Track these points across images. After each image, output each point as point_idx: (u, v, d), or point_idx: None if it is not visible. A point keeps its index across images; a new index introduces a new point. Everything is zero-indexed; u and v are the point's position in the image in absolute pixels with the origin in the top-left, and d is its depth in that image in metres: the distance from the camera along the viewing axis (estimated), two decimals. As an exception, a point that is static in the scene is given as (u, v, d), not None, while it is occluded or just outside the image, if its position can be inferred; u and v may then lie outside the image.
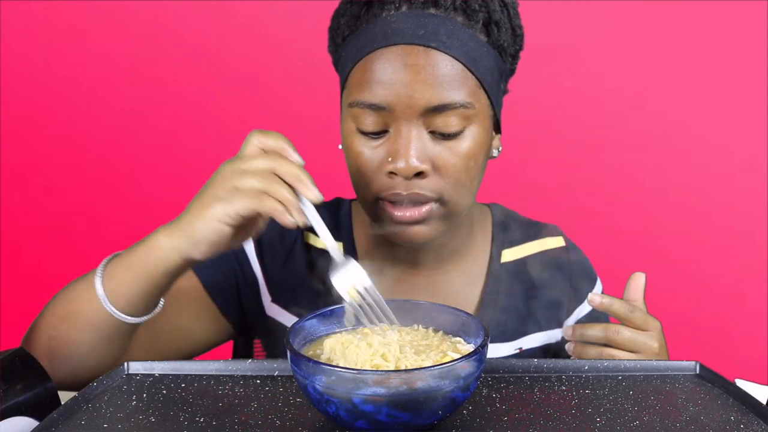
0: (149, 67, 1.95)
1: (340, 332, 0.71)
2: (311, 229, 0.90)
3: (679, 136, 1.66)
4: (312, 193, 0.68)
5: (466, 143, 0.78)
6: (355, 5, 0.81)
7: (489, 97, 0.81)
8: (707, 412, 0.66)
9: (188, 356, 0.89)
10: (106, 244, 2.06)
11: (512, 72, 0.88)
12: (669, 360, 0.76)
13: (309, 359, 0.60)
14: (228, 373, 0.74)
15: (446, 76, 0.76)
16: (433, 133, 0.78)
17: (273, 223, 0.77)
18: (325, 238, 0.69)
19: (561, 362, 0.75)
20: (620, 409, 0.67)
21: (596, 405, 0.68)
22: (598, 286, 0.98)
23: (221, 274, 0.89)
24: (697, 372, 0.74)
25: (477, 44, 0.78)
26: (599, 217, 1.69)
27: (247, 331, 0.93)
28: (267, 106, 1.88)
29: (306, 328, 0.68)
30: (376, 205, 0.81)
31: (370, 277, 0.70)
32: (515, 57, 0.86)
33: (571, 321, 0.95)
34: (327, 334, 0.70)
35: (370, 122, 0.78)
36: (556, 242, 0.96)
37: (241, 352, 0.99)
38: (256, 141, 0.71)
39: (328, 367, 0.59)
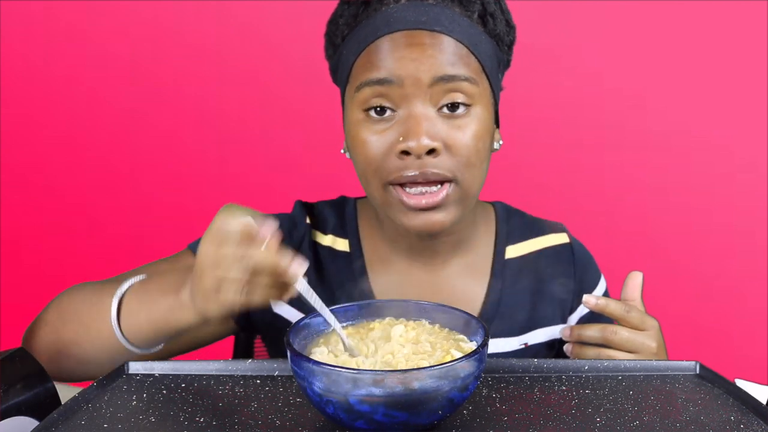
0: (149, 67, 1.95)
1: (346, 327, 0.71)
2: (317, 226, 0.91)
3: (679, 136, 1.66)
4: (293, 275, 0.64)
5: (473, 123, 0.79)
6: (352, 6, 0.82)
7: (490, 84, 0.82)
8: (707, 412, 0.66)
9: (187, 350, 0.88)
10: (106, 244, 2.07)
11: (508, 64, 0.89)
12: (668, 360, 0.76)
13: (309, 359, 0.60)
14: (228, 373, 0.74)
15: (451, 54, 0.77)
16: (441, 111, 0.78)
17: (282, 222, 0.79)
18: (329, 319, 0.67)
19: (561, 362, 0.75)
20: (620, 409, 0.67)
21: (596, 405, 0.68)
22: (602, 283, 0.98)
23: None
24: (697, 372, 0.74)
25: (476, 31, 0.80)
26: (599, 217, 1.69)
27: (251, 327, 0.93)
28: (267, 106, 1.88)
29: (306, 328, 0.68)
30: (387, 193, 0.80)
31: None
32: (510, 48, 0.87)
33: (574, 318, 0.94)
34: (328, 334, 0.71)
35: (379, 101, 0.78)
36: (560, 239, 0.96)
37: (242, 349, 0.98)
38: (225, 226, 0.68)
39: (328, 368, 0.59)
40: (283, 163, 1.87)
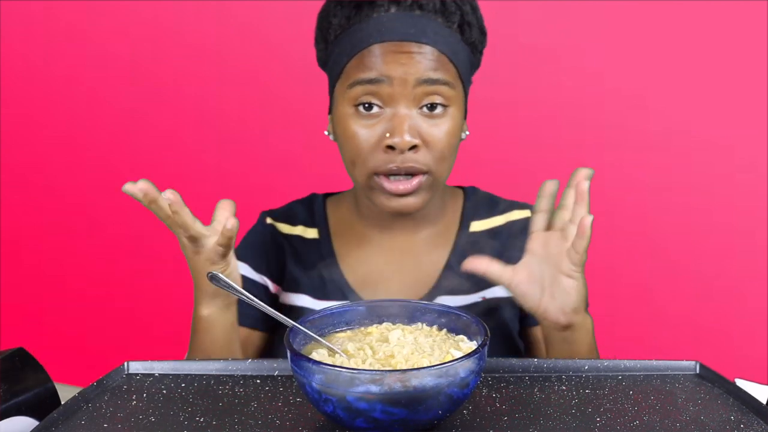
0: (149, 67, 1.95)
1: (343, 331, 0.71)
2: (286, 221, 1.05)
3: (679, 136, 1.66)
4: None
5: (448, 122, 0.90)
6: (345, 7, 0.91)
7: (463, 85, 0.93)
8: (707, 412, 0.66)
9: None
10: (106, 244, 2.07)
11: (478, 65, 0.99)
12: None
13: (308, 359, 0.60)
14: (228, 373, 0.74)
15: (435, 62, 0.89)
16: (421, 110, 0.89)
17: (255, 236, 1.02)
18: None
19: (561, 362, 0.75)
20: (620, 409, 0.67)
21: (596, 405, 0.68)
22: None
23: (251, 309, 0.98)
24: (697, 372, 0.74)
25: (455, 41, 0.91)
26: (599, 217, 1.68)
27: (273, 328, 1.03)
28: (267, 106, 1.88)
29: (307, 328, 0.68)
30: (370, 180, 0.91)
31: None
32: (481, 53, 0.98)
33: None
34: (328, 333, 0.71)
35: (368, 98, 0.89)
36: (524, 213, 1.03)
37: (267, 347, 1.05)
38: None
39: (327, 367, 0.59)
40: (283, 163, 1.88)
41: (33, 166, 2.09)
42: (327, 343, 0.67)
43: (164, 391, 0.70)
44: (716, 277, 1.68)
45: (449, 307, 0.72)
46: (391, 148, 0.88)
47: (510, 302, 0.99)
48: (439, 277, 0.98)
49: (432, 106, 0.89)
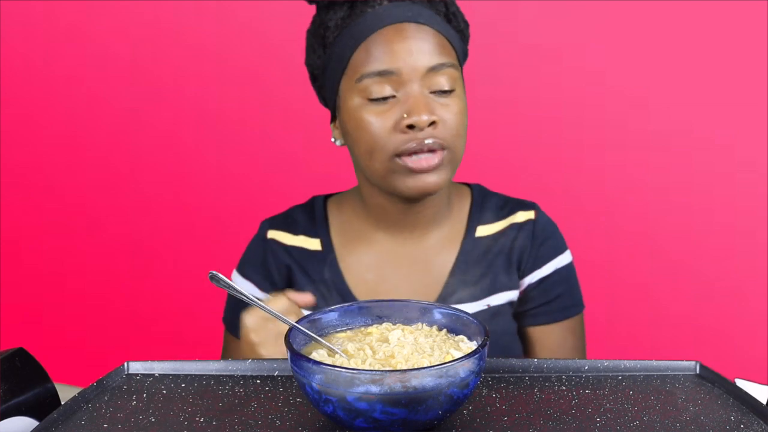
0: (149, 67, 1.95)
1: (344, 331, 0.71)
2: (288, 229, 1.03)
3: (680, 136, 1.66)
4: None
5: (457, 103, 0.92)
6: (338, 10, 0.93)
7: (460, 73, 0.95)
8: (707, 412, 0.66)
9: None
10: (106, 244, 2.07)
11: (467, 56, 1.00)
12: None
13: (308, 359, 0.60)
14: (228, 373, 0.74)
15: (437, 45, 0.91)
16: (432, 93, 0.90)
17: (256, 249, 1.01)
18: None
19: (561, 362, 0.75)
20: (620, 409, 0.67)
21: (596, 405, 0.68)
22: (564, 257, 1.03)
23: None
24: (697, 372, 0.74)
25: (447, 27, 0.94)
26: (600, 217, 1.69)
27: None
28: (267, 106, 1.87)
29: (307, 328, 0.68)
30: (392, 163, 0.91)
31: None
32: (467, 43, 1.00)
33: (525, 282, 1.01)
34: (328, 333, 0.71)
35: (379, 89, 0.90)
36: (527, 215, 1.02)
37: None
38: None
39: (327, 367, 0.59)
40: (283, 163, 1.87)
41: (33, 166, 2.09)
42: (327, 344, 0.67)
43: (164, 391, 0.70)
44: (716, 277, 1.68)
45: (449, 307, 0.72)
46: (410, 127, 0.89)
47: (510, 307, 1.00)
48: (444, 285, 0.98)
49: (440, 91, 0.91)
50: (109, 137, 2.02)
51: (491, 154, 1.60)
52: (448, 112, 0.91)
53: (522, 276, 1.01)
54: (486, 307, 0.99)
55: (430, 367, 0.59)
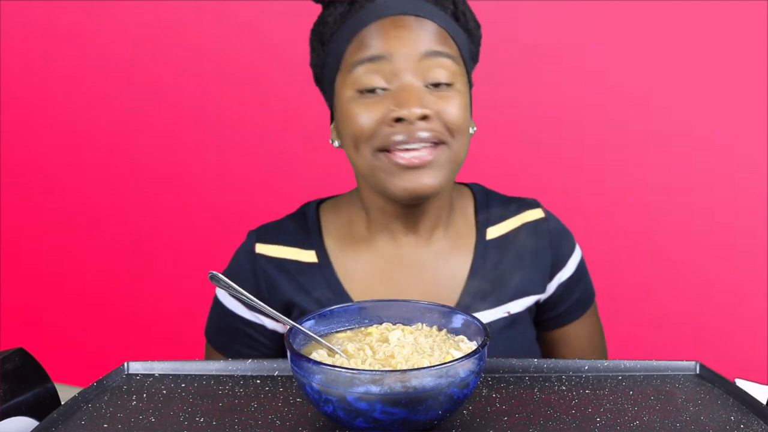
0: (149, 67, 1.95)
1: (344, 331, 0.71)
2: (281, 242, 0.96)
3: (680, 136, 1.66)
4: None
5: (457, 97, 0.85)
6: (338, 6, 0.89)
7: (466, 69, 0.89)
8: (707, 412, 0.66)
9: None
10: (106, 244, 2.07)
11: (477, 59, 0.95)
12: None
13: (308, 359, 0.60)
14: (228, 373, 0.74)
15: (435, 34, 0.86)
16: (427, 87, 0.84)
17: (241, 260, 0.94)
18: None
19: (561, 362, 0.75)
20: (620, 409, 0.67)
21: (596, 405, 0.68)
22: (578, 251, 1.01)
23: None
24: (697, 372, 0.74)
25: (451, 23, 0.88)
26: (600, 217, 1.69)
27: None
28: (267, 106, 1.87)
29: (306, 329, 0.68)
30: (376, 158, 0.84)
31: None
32: (479, 45, 0.95)
33: (553, 285, 0.98)
34: (328, 333, 0.71)
35: (369, 80, 0.84)
36: (535, 214, 0.99)
37: None
38: None
39: (327, 367, 0.59)
40: (283, 163, 1.87)
41: (33, 166, 2.09)
42: (327, 344, 0.67)
43: (164, 391, 0.70)
44: (716, 277, 1.68)
45: (449, 307, 0.72)
46: (398, 120, 0.82)
47: (529, 313, 0.96)
48: (461, 293, 0.92)
49: (437, 85, 0.84)
50: (109, 137, 2.02)
51: (491, 154, 1.60)
52: (446, 105, 0.84)
53: (549, 278, 0.97)
54: (506, 314, 0.93)
55: (430, 367, 0.59)
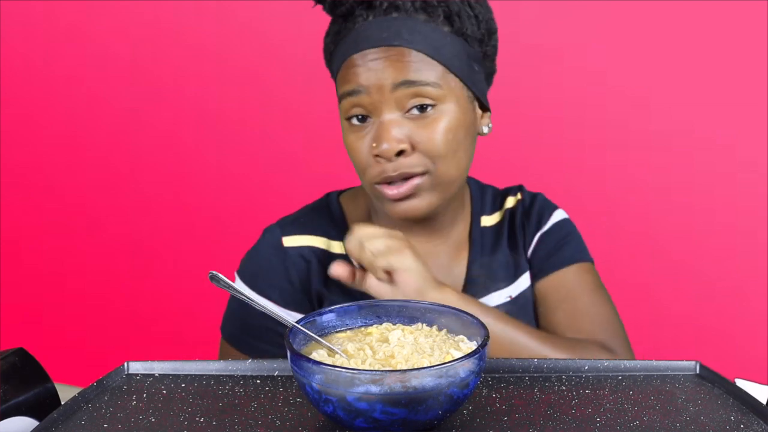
0: (149, 67, 1.95)
1: (344, 331, 0.71)
2: (307, 231, 0.97)
3: (681, 137, 1.66)
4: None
5: (442, 119, 0.86)
6: (334, 24, 0.91)
7: (461, 80, 0.89)
8: (707, 412, 0.66)
9: None
10: (106, 244, 2.07)
11: (486, 55, 0.94)
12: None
13: (308, 359, 0.60)
14: (228, 373, 0.74)
15: (411, 63, 0.85)
16: (410, 113, 0.86)
17: (271, 259, 0.95)
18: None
19: (561, 362, 0.75)
20: (620, 409, 0.67)
21: (596, 405, 0.68)
22: (559, 213, 1.03)
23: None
24: (697, 372, 0.74)
25: (440, 35, 0.87)
26: (601, 217, 1.69)
27: None
28: (267, 106, 1.88)
29: (307, 328, 0.68)
30: (374, 189, 0.89)
31: None
32: (484, 41, 0.93)
33: (534, 240, 1.01)
34: (328, 333, 0.71)
35: (353, 110, 0.87)
36: (514, 199, 1.04)
37: None
38: None
39: (327, 367, 0.59)
40: (283, 163, 1.88)
41: (33, 166, 2.09)
42: (327, 344, 0.67)
43: (164, 391, 0.70)
44: (717, 277, 1.68)
45: (449, 307, 0.72)
46: (378, 157, 0.86)
47: (530, 291, 0.99)
48: (465, 282, 0.97)
49: (422, 108, 0.86)
50: (109, 137, 2.02)
51: (492, 154, 1.60)
52: (426, 133, 0.85)
53: (526, 247, 1.00)
54: (508, 299, 0.97)
55: (430, 367, 0.59)
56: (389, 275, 0.83)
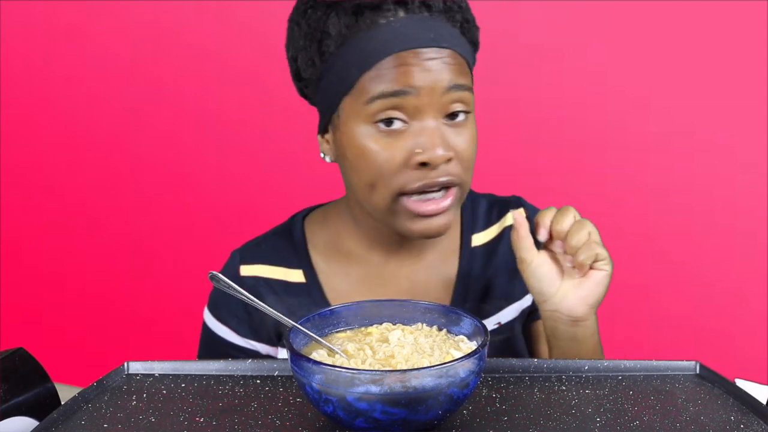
0: (149, 67, 1.95)
1: (344, 331, 0.71)
2: (265, 261, 0.93)
3: (681, 137, 1.66)
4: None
5: (470, 130, 0.83)
6: (342, 15, 0.81)
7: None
8: (707, 412, 0.66)
9: None
10: (106, 244, 2.07)
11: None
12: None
13: (308, 359, 0.60)
14: (228, 373, 0.74)
15: (455, 65, 0.81)
16: (445, 120, 0.81)
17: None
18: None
19: (561, 362, 0.75)
20: (620, 409, 0.67)
21: (596, 405, 0.68)
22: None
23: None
24: (697, 372, 0.74)
25: (463, 41, 0.84)
26: (601, 218, 1.67)
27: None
28: (267, 106, 1.88)
29: (307, 328, 0.68)
30: (395, 203, 0.82)
31: None
32: (476, 51, 0.91)
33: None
34: (328, 333, 0.71)
35: (390, 113, 0.80)
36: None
37: None
38: None
39: (327, 367, 0.59)
40: (283, 163, 1.88)
41: (33, 166, 2.09)
42: (327, 344, 0.67)
43: (164, 391, 0.70)
44: (717, 278, 1.68)
45: (449, 307, 0.72)
46: (423, 164, 0.80)
47: (520, 321, 0.95)
48: (450, 304, 0.90)
49: (453, 115, 0.82)
50: (109, 137, 2.02)
51: (491, 155, 1.60)
52: (461, 142, 0.81)
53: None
54: (497, 326, 0.92)
55: (430, 367, 0.59)
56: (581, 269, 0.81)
